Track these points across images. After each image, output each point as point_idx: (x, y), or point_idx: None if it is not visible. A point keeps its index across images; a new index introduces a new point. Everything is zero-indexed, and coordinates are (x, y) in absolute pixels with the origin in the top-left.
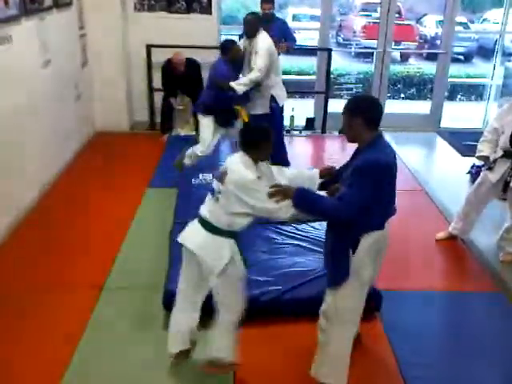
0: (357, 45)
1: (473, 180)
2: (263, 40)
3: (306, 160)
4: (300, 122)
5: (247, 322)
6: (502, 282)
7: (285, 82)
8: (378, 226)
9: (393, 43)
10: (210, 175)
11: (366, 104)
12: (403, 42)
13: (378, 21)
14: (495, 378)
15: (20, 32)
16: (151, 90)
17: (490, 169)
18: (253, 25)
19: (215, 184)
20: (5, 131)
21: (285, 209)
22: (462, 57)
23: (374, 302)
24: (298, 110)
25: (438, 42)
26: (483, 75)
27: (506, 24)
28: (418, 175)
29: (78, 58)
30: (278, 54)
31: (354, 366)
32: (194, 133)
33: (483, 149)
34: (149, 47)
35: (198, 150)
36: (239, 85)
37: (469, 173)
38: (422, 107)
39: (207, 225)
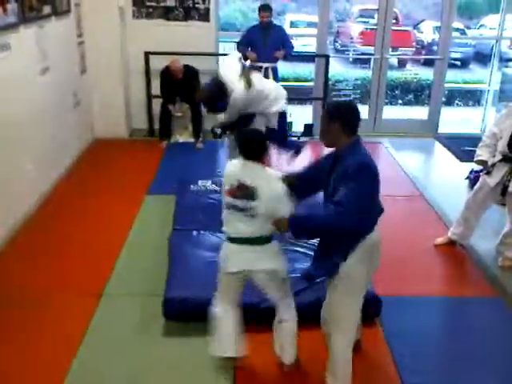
0: (354, 51)
1: (471, 185)
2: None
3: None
4: (298, 128)
5: (247, 327)
6: (502, 288)
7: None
8: (369, 228)
9: (390, 49)
10: (209, 182)
11: (344, 109)
12: (400, 48)
13: (375, 27)
14: (495, 383)
15: (18, 40)
16: (150, 96)
17: (488, 173)
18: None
19: (240, 203)
20: (3, 138)
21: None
22: (458, 62)
23: (373, 307)
24: (296, 117)
25: (435, 47)
26: (480, 81)
27: (503, 30)
28: (417, 181)
29: (77, 66)
30: (276, 60)
31: (353, 372)
32: (192, 139)
33: (482, 153)
34: (147, 54)
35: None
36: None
37: (467, 178)
38: (420, 113)
39: (259, 240)
